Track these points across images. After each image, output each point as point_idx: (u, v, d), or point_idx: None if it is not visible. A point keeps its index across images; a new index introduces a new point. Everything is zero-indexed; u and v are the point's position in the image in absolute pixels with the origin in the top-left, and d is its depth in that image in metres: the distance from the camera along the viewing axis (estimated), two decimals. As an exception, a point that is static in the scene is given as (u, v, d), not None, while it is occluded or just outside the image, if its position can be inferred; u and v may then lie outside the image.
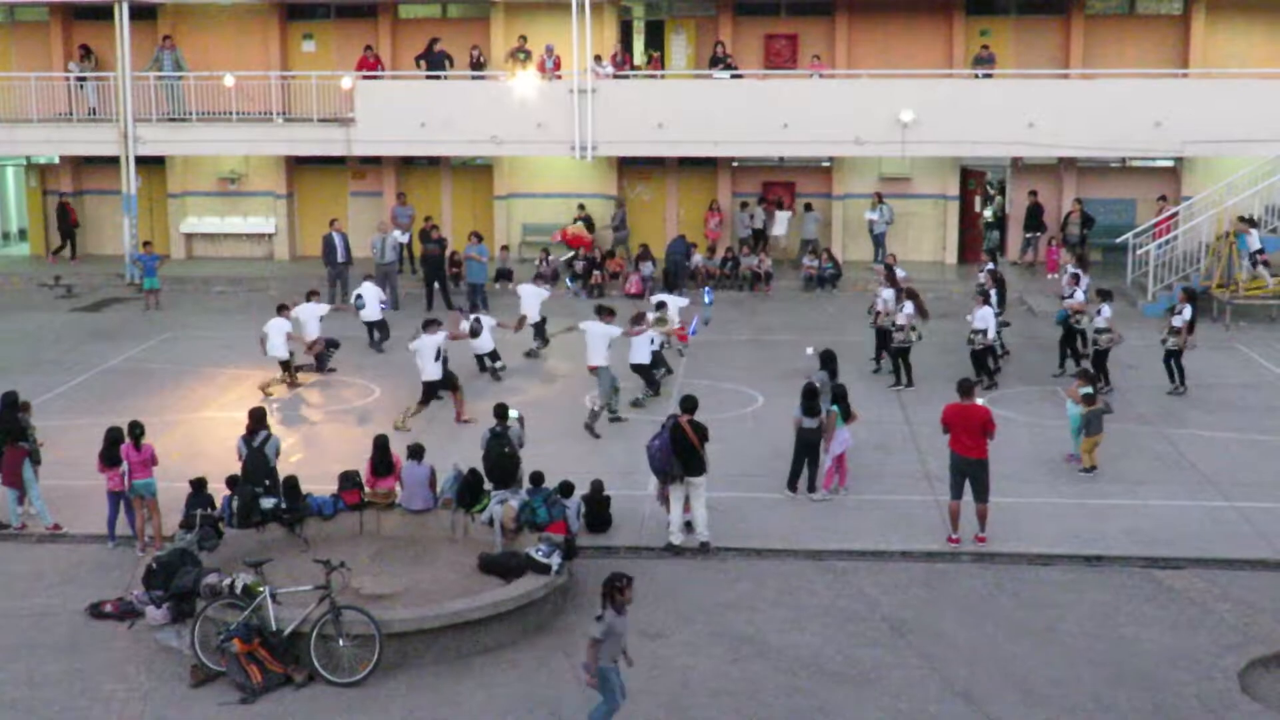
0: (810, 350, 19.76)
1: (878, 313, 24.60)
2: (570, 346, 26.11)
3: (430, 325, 22.05)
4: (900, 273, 26.03)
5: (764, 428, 21.20)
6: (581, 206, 34.52)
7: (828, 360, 19.74)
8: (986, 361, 23.45)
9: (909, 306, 23.38)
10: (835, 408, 18.18)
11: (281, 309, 23.88)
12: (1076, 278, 24.81)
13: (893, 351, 23.74)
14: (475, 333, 24.06)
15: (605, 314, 21.92)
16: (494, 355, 24.42)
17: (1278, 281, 29.01)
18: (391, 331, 26.46)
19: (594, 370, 21.54)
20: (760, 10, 35.30)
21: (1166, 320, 23.60)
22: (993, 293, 24.51)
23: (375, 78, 33.94)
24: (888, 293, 24.45)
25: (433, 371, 21.65)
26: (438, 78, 33.51)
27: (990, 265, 27.09)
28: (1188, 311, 22.88)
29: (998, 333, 23.75)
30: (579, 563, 15.58)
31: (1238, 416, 22.02)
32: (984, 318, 23.08)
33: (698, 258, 33.13)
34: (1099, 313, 22.99)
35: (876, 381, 23.98)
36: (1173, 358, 23.07)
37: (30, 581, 15.75)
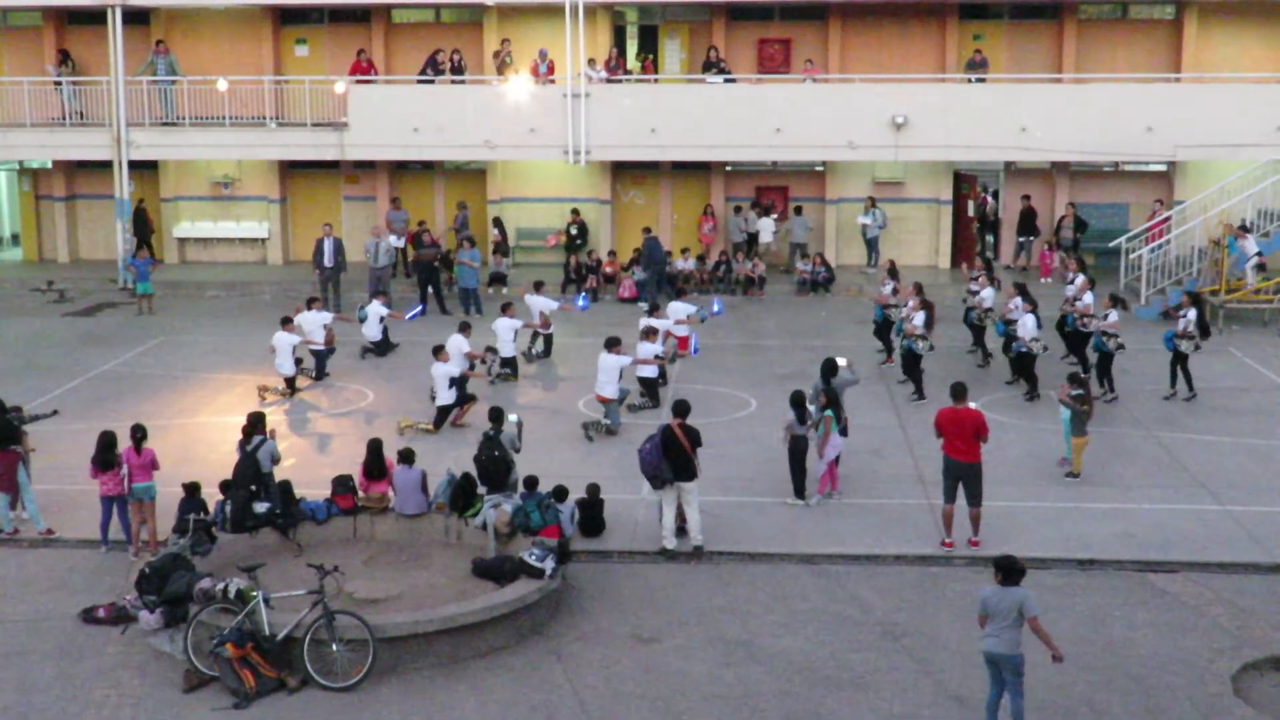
0: (844, 361, 19.63)
1: (887, 309, 25.01)
2: (569, 353, 26.14)
3: (439, 352, 22.02)
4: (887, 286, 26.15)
5: (757, 432, 21.19)
6: (575, 212, 34.52)
7: (828, 369, 19.49)
8: (1032, 369, 23.04)
9: (920, 317, 23.06)
10: (829, 413, 18.19)
11: (286, 322, 23.84)
12: (1093, 282, 24.73)
13: (903, 363, 23.46)
14: (492, 348, 24.12)
15: (613, 345, 21.76)
16: (509, 361, 24.39)
17: (1264, 282, 29.09)
18: (389, 350, 26.48)
19: (604, 401, 21.46)
20: (753, 15, 35.33)
21: (1174, 325, 23.33)
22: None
23: (368, 82, 33.94)
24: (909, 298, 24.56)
25: (446, 398, 21.64)
26: (430, 82, 33.51)
27: (982, 272, 26.76)
28: (1192, 314, 22.87)
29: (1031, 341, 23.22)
30: (572, 567, 15.60)
31: (1230, 420, 22.06)
32: (1026, 326, 22.84)
33: (682, 262, 33.05)
34: (1105, 317, 22.94)
35: (870, 386, 23.99)
36: (1181, 362, 22.95)
37: (22, 587, 15.73)
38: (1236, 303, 28.79)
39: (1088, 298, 24.04)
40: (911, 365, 23.23)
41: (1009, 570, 11.92)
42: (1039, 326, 23.21)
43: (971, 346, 25.73)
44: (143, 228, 35.53)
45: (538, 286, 26.90)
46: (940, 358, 24.87)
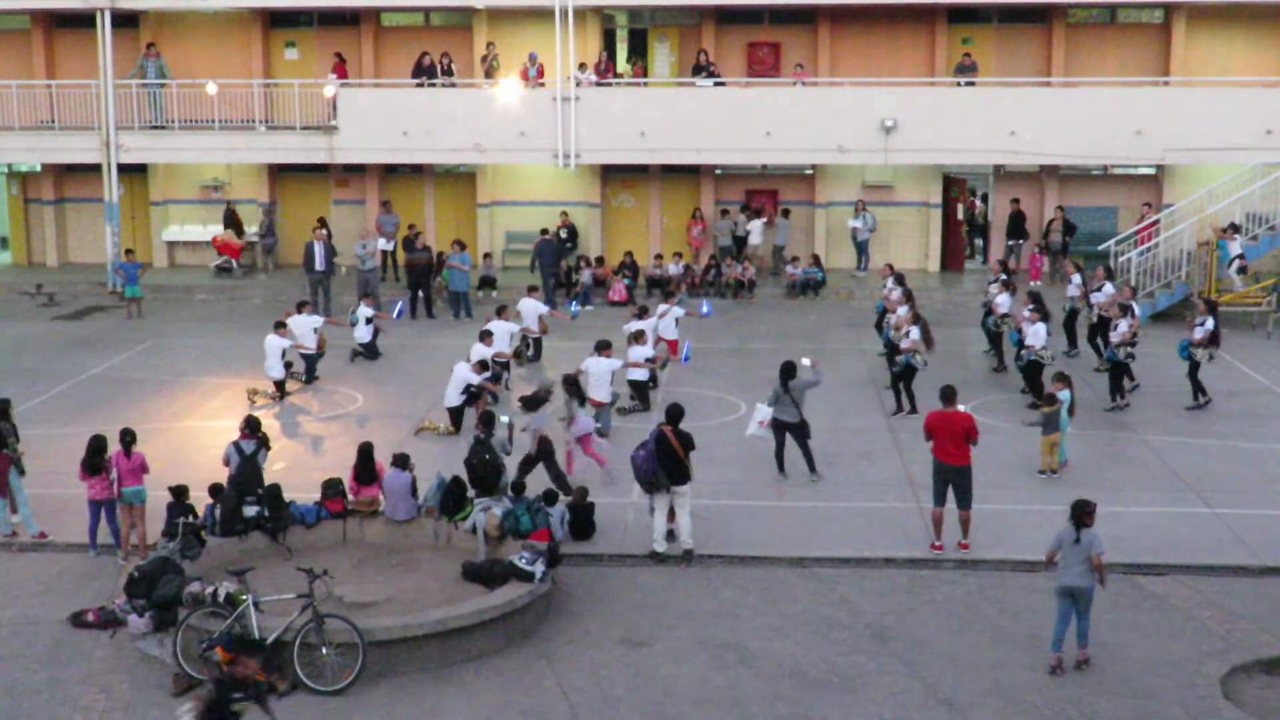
0: (807, 361, 19.67)
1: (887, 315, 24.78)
2: (559, 356, 26.12)
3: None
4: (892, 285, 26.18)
5: (747, 435, 21.13)
6: (565, 215, 34.53)
7: (786, 371, 19.20)
8: (1038, 378, 22.48)
9: (915, 331, 22.51)
10: (574, 400, 19.06)
11: (279, 326, 23.81)
12: (1134, 290, 24.50)
13: (894, 375, 22.67)
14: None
15: (603, 349, 21.61)
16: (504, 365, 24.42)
17: (1252, 287, 29.21)
18: (379, 353, 26.44)
19: (595, 405, 21.43)
20: (743, 18, 35.37)
21: (1188, 333, 23.05)
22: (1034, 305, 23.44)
23: (358, 85, 33.91)
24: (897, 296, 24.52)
25: (453, 400, 21.60)
26: (420, 85, 33.51)
27: (1003, 275, 26.26)
28: (1210, 323, 22.68)
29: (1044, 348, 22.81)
30: (562, 571, 15.60)
31: (1219, 423, 22.11)
32: (1037, 334, 22.48)
33: (673, 266, 33.05)
34: (1114, 326, 22.67)
35: (859, 390, 24.05)
36: (1193, 370, 22.76)
37: (11, 591, 15.69)
38: (1225, 306, 28.82)
39: (1107, 287, 24.03)
40: (903, 379, 22.51)
41: (1083, 512, 13.42)
42: (1049, 334, 22.93)
43: (988, 349, 25.66)
44: (233, 229, 35.41)
45: (530, 290, 26.90)
46: (935, 360, 24.84)
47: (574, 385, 19.31)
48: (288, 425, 22.40)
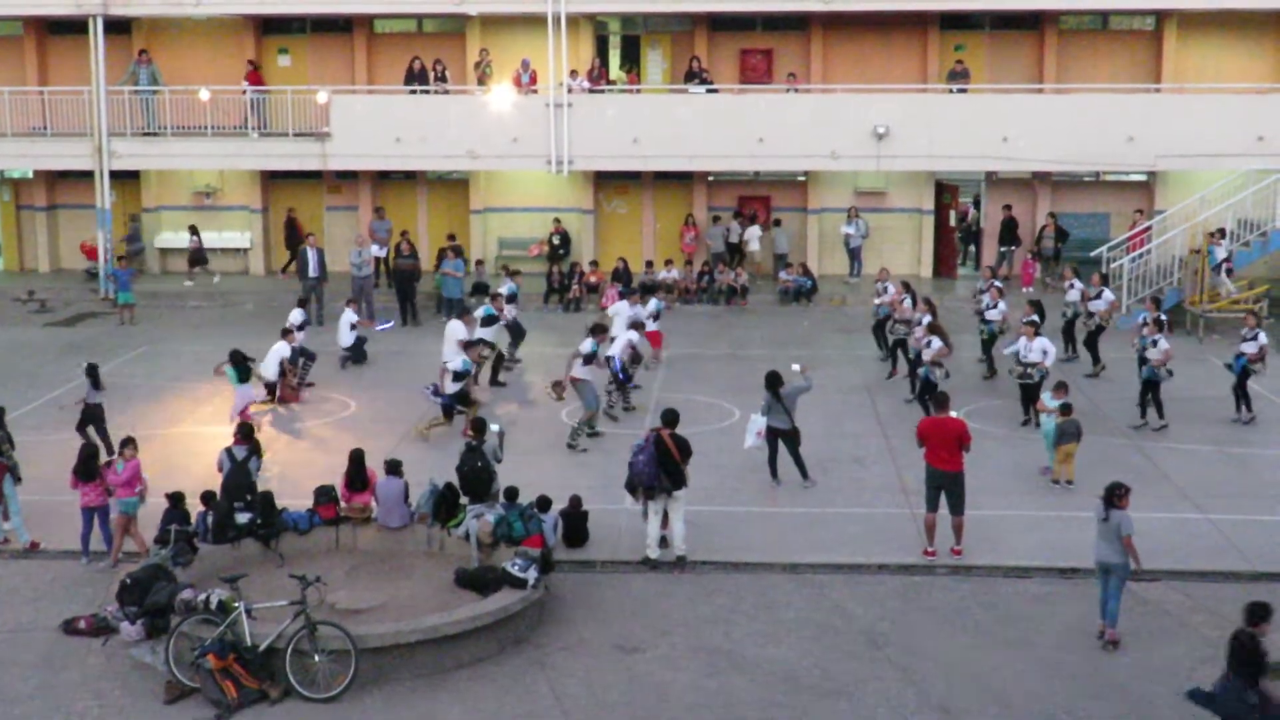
0: (796, 367, 19.68)
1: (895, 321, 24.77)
2: (551, 361, 26.11)
3: (467, 348, 21.99)
4: (889, 287, 26.18)
5: (740, 441, 21.12)
6: (558, 221, 34.55)
7: (772, 380, 19.10)
8: (1037, 395, 21.64)
9: (936, 341, 22.08)
10: (229, 370, 21.24)
11: (286, 334, 23.80)
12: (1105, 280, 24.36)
13: (919, 389, 22.22)
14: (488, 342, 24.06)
15: (599, 333, 21.67)
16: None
17: (1246, 292, 29.28)
18: (365, 358, 26.44)
19: (575, 382, 21.34)
20: (736, 25, 35.40)
21: (1237, 345, 22.72)
22: (1034, 318, 23.09)
23: (351, 92, 33.93)
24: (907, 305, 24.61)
25: (449, 388, 21.64)
26: (414, 92, 33.52)
27: (995, 282, 26.09)
28: (1262, 336, 22.27)
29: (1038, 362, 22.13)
30: (555, 577, 15.59)
31: (1211, 429, 22.13)
32: (1043, 349, 21.83)
33: (665, 273, 33.01)
34: (1154, 343, 21.98)
35: (853, 395, 24.06)
36: (1243, 384, 22.37)
37: (3, 598, 15.66)
38: (1216, 311, 28.91)
39: (1107, 294, 23.96)
40: (926, 392, 21.73)
41: (1113, 494, 14.16)
42: (1046, 349, 22.21)
43: (981, 357, 25.62)
44: (293, 236, 35.30)
45: (493, 299, 26.89)
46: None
47: (240, 361, 20.97)
48: (281, 432, 22.37)
